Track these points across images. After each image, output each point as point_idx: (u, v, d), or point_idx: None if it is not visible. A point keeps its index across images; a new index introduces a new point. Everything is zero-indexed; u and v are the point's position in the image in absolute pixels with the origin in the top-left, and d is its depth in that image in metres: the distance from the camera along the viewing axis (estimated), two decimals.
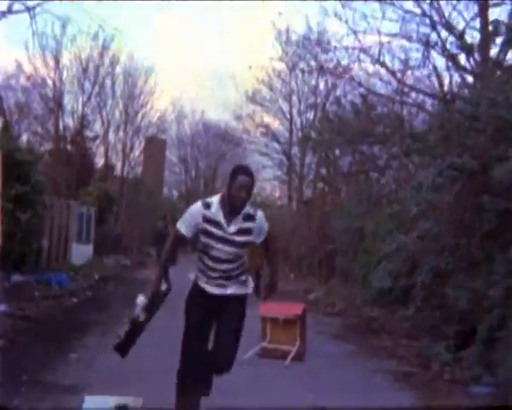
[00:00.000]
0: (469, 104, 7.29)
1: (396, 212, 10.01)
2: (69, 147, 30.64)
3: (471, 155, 6.93)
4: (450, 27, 11.74)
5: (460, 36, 11.17)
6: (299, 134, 30.00)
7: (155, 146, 42.01)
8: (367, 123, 14.39)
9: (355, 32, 14.02)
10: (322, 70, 22.38)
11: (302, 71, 27.86)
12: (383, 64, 13.89)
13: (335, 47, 14.41)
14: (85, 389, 5.28)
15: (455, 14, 11.51)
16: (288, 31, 24.22)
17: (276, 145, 34.09)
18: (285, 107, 32.87)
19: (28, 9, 11.86)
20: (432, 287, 8.05)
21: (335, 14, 14.61)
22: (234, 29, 51.27)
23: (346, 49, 15.94)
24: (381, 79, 15.57)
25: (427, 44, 12.65)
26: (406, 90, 13.91)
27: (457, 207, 7.26)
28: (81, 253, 21.94)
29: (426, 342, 7.98)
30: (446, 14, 11.46)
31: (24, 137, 27.43)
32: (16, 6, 12.63)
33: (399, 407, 3.31)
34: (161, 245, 6.51)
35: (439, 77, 12.71)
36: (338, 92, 22.84)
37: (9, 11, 11.52)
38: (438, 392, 6.18)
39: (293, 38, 22.87)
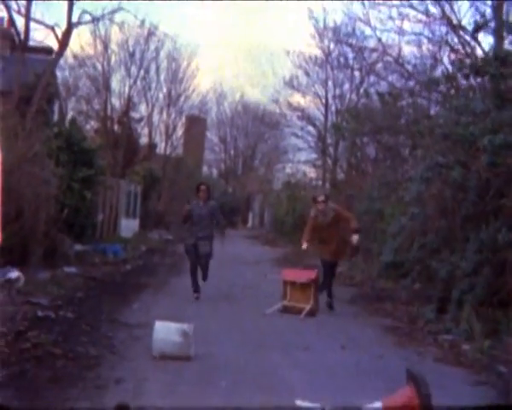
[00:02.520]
0: (455, 113, 9.01)
1: (401, 197, 11.76)
2: (116, 127, 32.80)
3: (454, 155, 8.67)
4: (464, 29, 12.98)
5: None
6: (334, 119, 31.65)
7: (196, 125, 43.84)
8: (392, 114, 16.01)
9: (379, 40, 15.69)
10: (360, 50, 24.04)
11: (338, 56, 29.55)
12: (402, 65, 15.52)
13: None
14: (148, 326, 7.28)
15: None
16: (325, 19, 25.82)
17: (311, 129, 35.55)
18: (321, 92, 34.41)
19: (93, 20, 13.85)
20: (423, 261, 9.84)
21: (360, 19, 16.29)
22: (272, 15, 52.66)
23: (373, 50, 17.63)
24: (402, 76, 17.20)
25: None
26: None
27: (441, 197, 9.02)
28: (129, 227, 24.23)
29: (416, 305, 9.81)
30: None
31: (69, 116, 29.28)
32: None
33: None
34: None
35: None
36: (371, 79, 24.54)
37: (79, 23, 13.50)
38: (414, 339, 8.02)
39: (331, 24, 24.48)
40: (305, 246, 9.94)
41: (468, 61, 8.66)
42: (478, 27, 8.70)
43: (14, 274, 9.09)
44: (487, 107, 7.47)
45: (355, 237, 9.79)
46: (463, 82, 8.69)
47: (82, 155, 12.86)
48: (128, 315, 8.41)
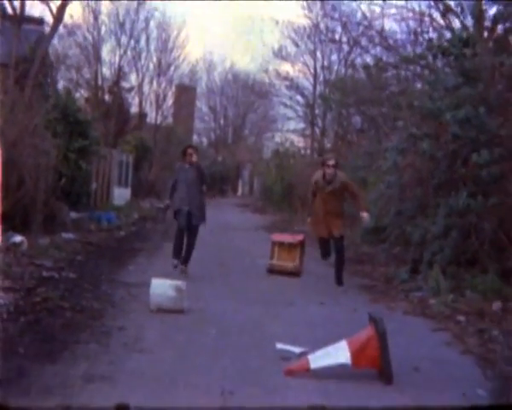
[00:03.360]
0: (429, 88, 9.67)
1: (381, 167, 12.47)
2: (107, 97, 33.14)
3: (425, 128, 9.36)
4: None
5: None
6: (322, 89, 32.20)
7: (186, 94, 44.18)
8: (376, 86, 16.63)
9: (364, 14, 16.20)
10: (346, 25, 24.55)
11: (326, 29, 29.95)
12: (385, 38, 16.09)
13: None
14: (144, 285, 7.98)
15: None
16: None
17: (300, 98, 36.05)
18: (309, 62, 34.89)
19: None
20: (399, 226, 10.59)
21: None
22: None
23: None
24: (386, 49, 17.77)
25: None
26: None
27: (415, 167, 9.73)
28: (121, 195, 24.82)
29: (393, 267, 10.59)
30: None
31: (59, 85, 29.56)
32: None
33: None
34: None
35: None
36: (358, 51, 25.08)
37: None
38: (388, 296, 8.80)
39: None
40: (309, 222, 9.71)
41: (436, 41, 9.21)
42: (447, 9, 9.28)
43: (18, 239, 9.76)
44: (457, 83, 8.14)
45: (365, 216, 9.08)
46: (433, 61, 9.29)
47: (77, 126, 13.47)
48: (125, 276, 9.12)
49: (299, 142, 36.88)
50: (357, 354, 4.74)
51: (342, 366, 4.75)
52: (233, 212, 29.77)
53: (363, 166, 17.49)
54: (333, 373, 4.73)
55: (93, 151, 14.66)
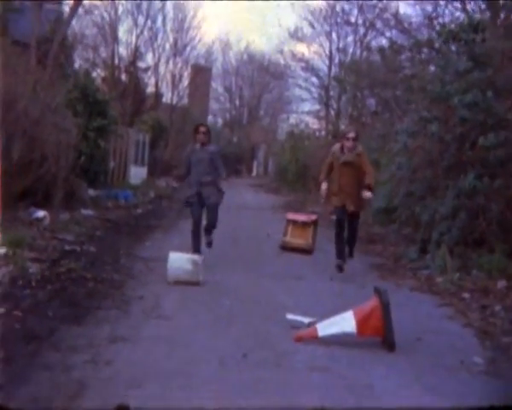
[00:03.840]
0: (441, 71, 9.87)
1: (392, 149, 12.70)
2: (123, 76, 33.45)
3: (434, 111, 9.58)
4: None
5: None
6: (337, 71, 32.31)
7: (201, 75, 44.35)
8: (391, 68, 16.79)
9: None
10: (361, 8, 24.60)
11: (342, 10, 29.95)
12: (400, 21, 16.21)
13: None
14: (161, 259, 8.33)
15: None
16: None
17: (315, 80, 36.15)
18: (325, 44, 34.94)
19: None
20: (409, 207, 10.85)
21: None
22: None
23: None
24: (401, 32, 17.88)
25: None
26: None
27: (425, 149, 9.96)
28: (137, 174, 25.20)
29: (403, 247, 10.87)
30: None
31: (76, 64, 29.80)
32: None
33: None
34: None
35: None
36: (373, 33, 25.16)
37: None
38: (396, 274, 9.10)
39: None
40: (324, 187, 8.58)
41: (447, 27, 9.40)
42: None
43: (41, 214, 10.14)
44: (467, 67, 8.35)
45: (367, 194, 8.26)
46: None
47: (96, 105, 13.81)
48: (143, 251, 9.48)
49: (313, 123, 37.03)
50: (361, 323, 5.05)
51: (348, 335, 5.07)
52: (248, 192, 30.06)
53: (377, 148, 17.68)
54: (339, 341, 5.05)
55: (111, 130, 15.02)
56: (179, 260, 7.17)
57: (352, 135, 8.41)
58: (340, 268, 8.65)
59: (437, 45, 10.01)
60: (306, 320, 5.68)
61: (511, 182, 8.04)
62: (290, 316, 5.86)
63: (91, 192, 15.75)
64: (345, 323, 5.10)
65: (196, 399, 3.68)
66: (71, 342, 4.52)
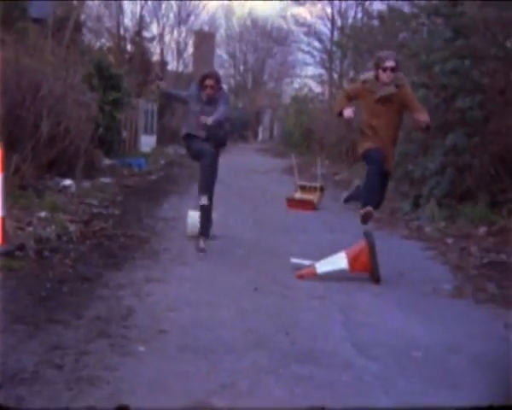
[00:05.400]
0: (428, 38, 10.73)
1: None
2: (129, 47, 34.18)
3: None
4: None
5: None
6: (339, 35, 32.93)
7: (205, 41, 44.96)
8: (389, 33, 17.54)
9: None
10: None
11: None
12: None
13: None
14: (179, 218, 9.37)
15: None
16: None
17: (317, 44, 36.82)
18: (327, 7, 35.51)
19: None
20: (404, 165, 11.82)
21: None
22: None
23: None
24: None
25: None
26: None
27: None
28: (147, 143, 26.20)
29: (398, 202, 11.89)
30: None
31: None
32: None
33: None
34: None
35: None
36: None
37: None
38: (390, 225, 10.13)
39: None
40: (350, 112, 6.19)
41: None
42: None
43: (68, 182, 11.18)
44: (449, 37, 9.24)
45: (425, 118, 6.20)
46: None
47: (111, 79, 14.77)
48: (162, 212, 10.53)
49: (317, 87, 37.75)
50: (353, 261, 6.10)
51: (341, 271, 6.13)
52: (254, 156, 31.06)
53: None
54: (334, 276, 6.11)
55: (125, 102, 15.99)
56: (197, 217, 8.17)
57: (391, 64, 6.04)
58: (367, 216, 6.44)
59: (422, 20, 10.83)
60: (308, 263, 6.71)
61: (488, 140, 8.97)
62: (294, 260, 6.89)
63: (107, 161, 16.75)
64: (339, 261, 6.15)
65: (218, 319, 4.73)
66: (116, 282, 5.58)
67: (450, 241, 8.45)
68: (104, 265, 6.21)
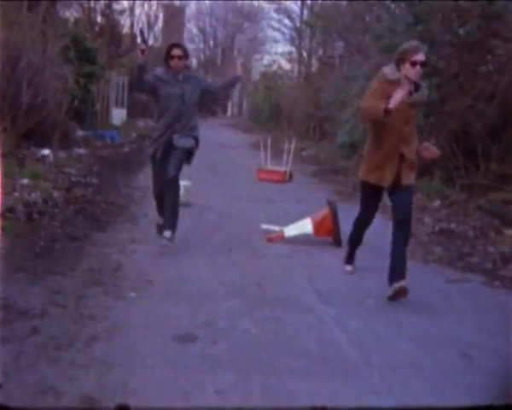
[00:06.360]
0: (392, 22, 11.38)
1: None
2: (99, 19, 34.15)
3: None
4: None
5: None
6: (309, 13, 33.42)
7: (174, 14, 44.97)
8: (357, 14, 18.17)
9: None
10: None
11: None
12: None
13: None
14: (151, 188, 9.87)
15: None
16: None
17: (287, 22, 37.26)
18: None
19: None
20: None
21: None
22: None
23: None
24: None
25: None
26: None
27: None
28: (118, 115, 26.48)
29: None
30: None
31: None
32: None
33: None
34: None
35: None
36: None
37: None
38: (352, 198, 10.79)
39: None
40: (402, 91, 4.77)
41: None
42: None
43: (46, 152, 11.59)
44: (410, 22, 9.90)
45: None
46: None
47: (86, 53, 15.11)
48: (137, 182, 11.04)
49: (286, 64, 38.28)
50: (317, 226, 6.76)
51: (307, 235, 6.78)
52: (223, 131, 31.53)
53: (343, 89, 19.25)
54: (300, 240, 6.76)
55: (100, 75, 16.34)
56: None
57: (421, 57, 5.00)
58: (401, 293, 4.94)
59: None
60: (277, 228, 7.35)
61: (444, 120, 9.69)
62: (264, 226, 7.52)
63: (80, 133, 17.09)
64: (304, 227, 6.81)
65: (197, 273, 5.34)
66: (102, 241, 6.15)
67: None
68: (89, 227, 6.76)
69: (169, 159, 6.08)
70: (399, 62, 5.01)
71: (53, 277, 4.79)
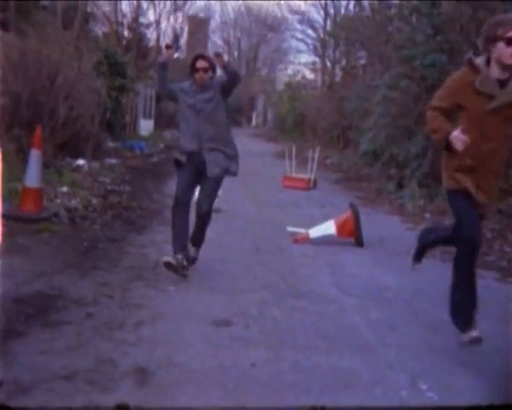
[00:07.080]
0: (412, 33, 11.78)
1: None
2: (126, 33, 35.01)
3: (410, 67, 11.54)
4: None
5: None
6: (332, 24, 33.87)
7: (199, 25, 45.70)
8: (380, 24, 18.58)
9: None
10: None
11: None
12: None
13: None
14: None
15: None
16: None
17: (311, 32, 37.71)
18: None
19: None
20: (389, 149, 12.91)
21: None
22: None
23: None
24: None
25: None
26: None
27: (402, 100, 11.96)
28: (146, 127, 27.17)
29: (383, 182, 12.99)
30: None
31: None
32: None
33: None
34: None
35: None
36: None
37: None
38: (375, 203, 11.22)
39: None
40: (462, 138, 3.75)
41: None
42: None
43: (81, 162, 12.18)
44: (429, 33, 10.31)
45: None
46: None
47: (117, 66, 15.76)
48: (168, 189, 11.51)
49: (310, 74, 38.71)
50: (340, 228, 7.19)
51: (330, 236, 7.21)
52: (248, 141, 32.01)
53: (365, 97, 19.64)
54: (324, 241, 7.19)
55: (130, 88, 16.98)
56: None
57: None
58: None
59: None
60: (302, 230, 7.78)
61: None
62: (290, 228, 7.96)
63: (111, 144, 17.74)
64: (328, 228, 7.24)
65: (229, 270, 5.80)
66: (140, 243, 6.66)
67: (427, 216, 9.55)
68: (127, 230, 7.28)
69: (199, 181, 5.84)
70: (489, 41, 3.85)
71: (99, 272, 5.28)
